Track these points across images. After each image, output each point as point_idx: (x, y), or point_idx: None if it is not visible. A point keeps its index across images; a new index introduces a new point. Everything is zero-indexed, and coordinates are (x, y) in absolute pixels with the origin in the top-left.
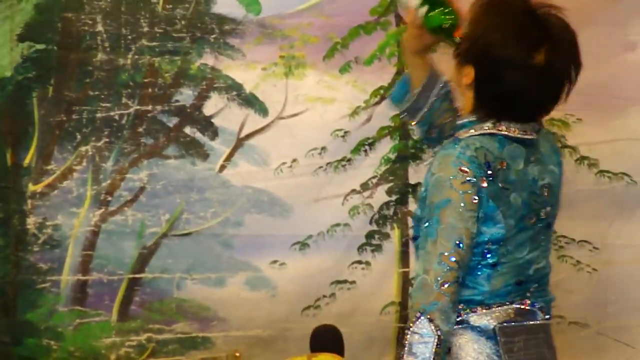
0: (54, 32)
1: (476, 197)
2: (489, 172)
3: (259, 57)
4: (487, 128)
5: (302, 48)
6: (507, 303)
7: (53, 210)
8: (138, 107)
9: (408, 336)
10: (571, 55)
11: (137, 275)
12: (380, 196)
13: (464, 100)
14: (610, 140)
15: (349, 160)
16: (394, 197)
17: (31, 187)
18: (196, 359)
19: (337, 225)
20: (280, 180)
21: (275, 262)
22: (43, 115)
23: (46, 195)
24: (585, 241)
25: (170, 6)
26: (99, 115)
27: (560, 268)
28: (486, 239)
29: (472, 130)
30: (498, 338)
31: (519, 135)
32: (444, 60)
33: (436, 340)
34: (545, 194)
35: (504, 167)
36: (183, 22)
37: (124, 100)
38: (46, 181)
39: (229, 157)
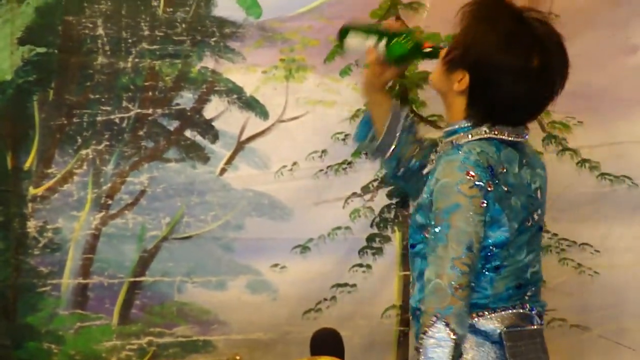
0: (54, 36)
1: (484, 201)
2: (493, 175)
3: (259, 60)
4: (484, 133)
5: (303, 51)
6: (510, 307)
7: (54, 214)
8: (138, 111)
9: (423, 341)
10: (561, 56)
11: (137, 279)
12: (381, 199)
13: (452, 106)
14: (612, 143)
15: (349, 163)
16: (394, 200)
17: (32, 191)
18: None
19: (338, 228)
20: (281, 183)
21: (276, 265)
22: (44, 118)
23: (47, 199)
24: (586, 244)
25: (171, 9)
26: (99, 118)
27: (562, 271)
28: (490, 242)
29: (470, 136)
30: (504, 343)
31: (512, 139)
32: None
33: (452, 345)
34: (538, 196)
35: (504, 171)
36: (183, 26)
37: (124, 103)
38: (47, 184)
39: (229, 161)
